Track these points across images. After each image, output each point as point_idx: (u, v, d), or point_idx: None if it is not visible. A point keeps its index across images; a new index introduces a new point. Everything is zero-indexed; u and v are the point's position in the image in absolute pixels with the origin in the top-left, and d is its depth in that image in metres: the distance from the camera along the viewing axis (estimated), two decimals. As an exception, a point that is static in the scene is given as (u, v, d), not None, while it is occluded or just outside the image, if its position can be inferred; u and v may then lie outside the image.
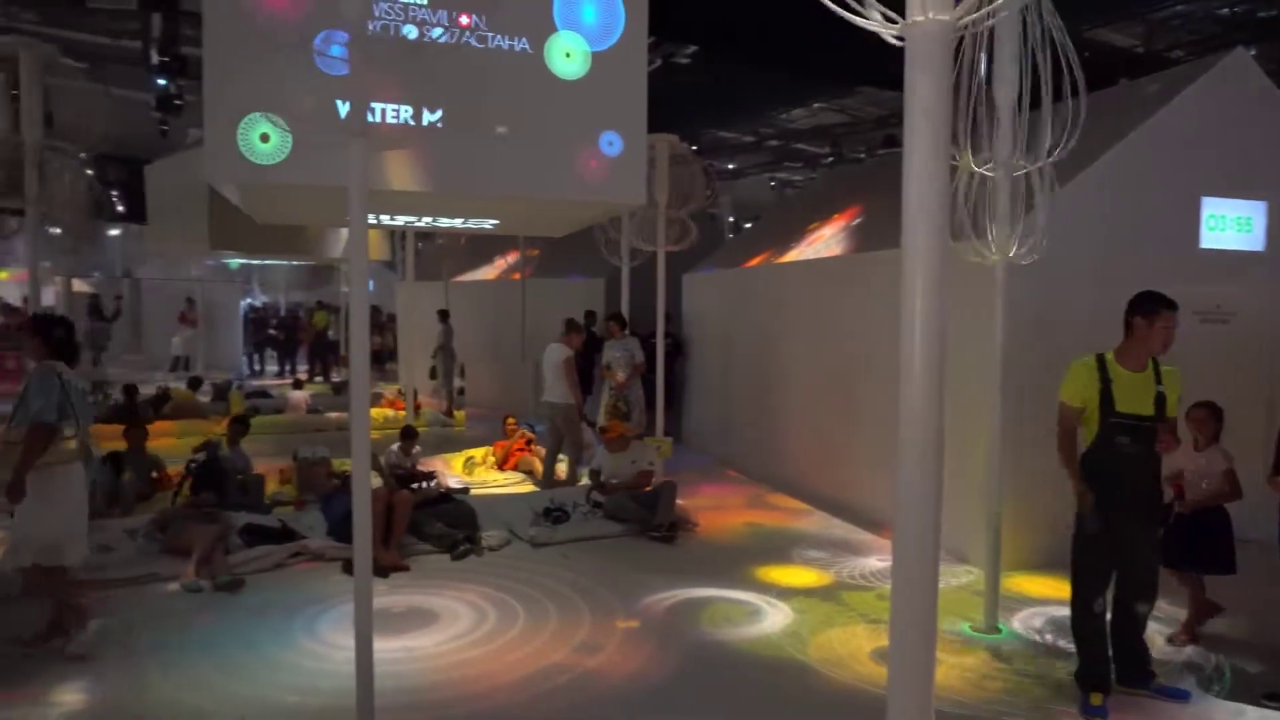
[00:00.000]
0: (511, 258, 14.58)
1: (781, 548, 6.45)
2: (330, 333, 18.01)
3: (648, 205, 7.32)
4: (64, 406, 4.15)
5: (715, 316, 10.44)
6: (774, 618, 5.06)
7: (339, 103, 3.89)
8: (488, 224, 6.23)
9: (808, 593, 5.47)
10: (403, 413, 11.37)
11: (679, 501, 7.00)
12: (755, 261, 9.76)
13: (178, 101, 13.57)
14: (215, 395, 13.05)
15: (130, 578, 5.41)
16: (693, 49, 12.06)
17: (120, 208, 19.64)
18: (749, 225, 21.12)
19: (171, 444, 9.14)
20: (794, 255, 8.97)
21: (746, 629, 4.89)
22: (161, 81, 12.99)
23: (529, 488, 8.32)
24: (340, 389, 14.38)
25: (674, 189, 7.92)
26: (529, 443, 9.27)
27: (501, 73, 4.32)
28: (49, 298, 12.99)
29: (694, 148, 9.76)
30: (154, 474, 7.33)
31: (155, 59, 11.84)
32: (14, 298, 19.14)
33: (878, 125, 16.33)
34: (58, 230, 9.58)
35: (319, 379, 16.99)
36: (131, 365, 18.03)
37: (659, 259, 8.01)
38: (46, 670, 4.15)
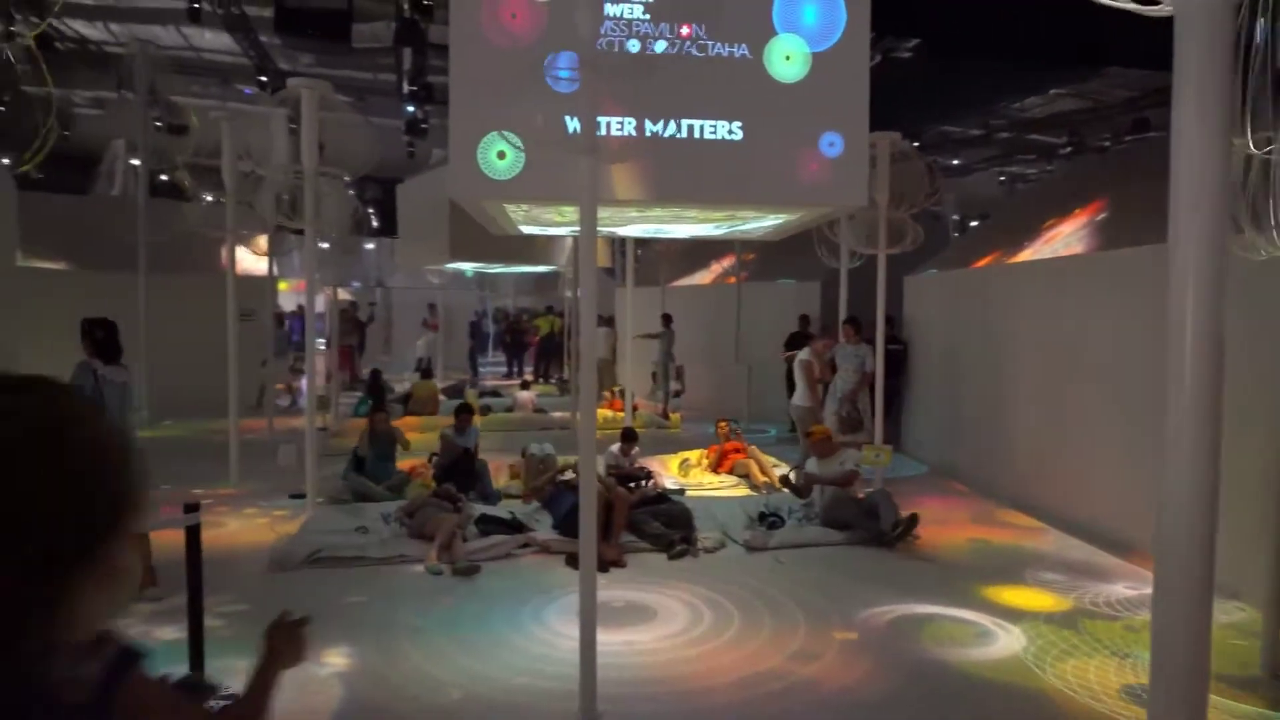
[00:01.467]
0: (727, 262, 14.67)
1: (1012, 567, 6.03)
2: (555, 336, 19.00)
3: (868, 206, 7.10)
4: (94, 399, 4.73)
5: (939, 320, 9.93)
6: (1004, 641, 4.73)
7: (568, 119, 4.13)
8: (707, 231, 6.33)
9: (1044, 618, 5.06)
10: (621, 413, 11.76)
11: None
12: (983, 262, 9.19)
13: (424, 126, 15.00)
14: (451, 394, 14.18)
15: (384, 558, 6.01)
16: (914, 42, 11.58)
17: (375, 223, 21.94)
18: (975, 224, 19.92)
19: (417, 438, 10.00)
20: (1027, 255, 8.35)
21: (973, 650, 4.61)
22: (410, 109, 14.43)
23: (744, 491, 8.33)
24: (565, 389, 15.13)
25: (895, 188, 7.62)
26: (731, 437, 9.23)
27: (721, 80, 4.37)
28: (320, 305, 14.67)
29: (916, 144, 9.34)
30: (399, 449, 8.06)
31: (406, 89, 13.14)
32: (290, 305, 21.85)
33: (1125, 109, 14.85)
34: (326, 245, 10.83)
35: (543, 380, 17.98)
36: (383, 366, 19.94)
37: (879, 261, 7.75)
38: (321, 637, 4.69)
